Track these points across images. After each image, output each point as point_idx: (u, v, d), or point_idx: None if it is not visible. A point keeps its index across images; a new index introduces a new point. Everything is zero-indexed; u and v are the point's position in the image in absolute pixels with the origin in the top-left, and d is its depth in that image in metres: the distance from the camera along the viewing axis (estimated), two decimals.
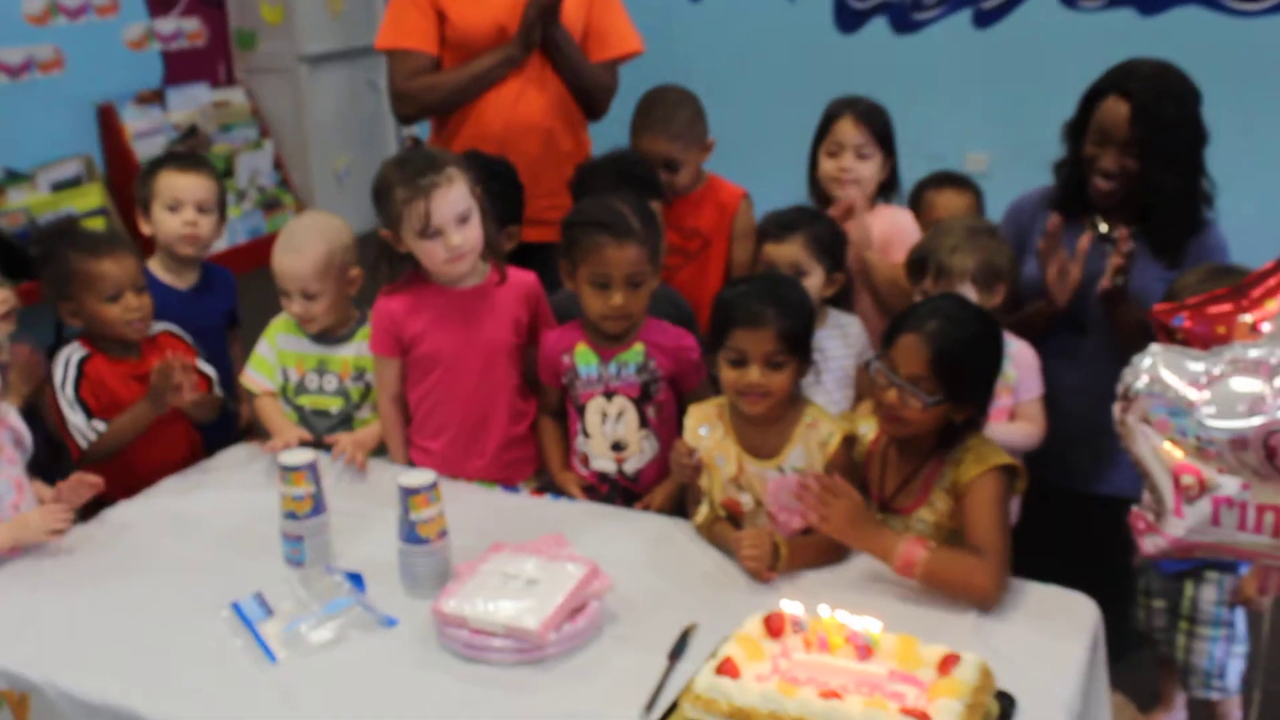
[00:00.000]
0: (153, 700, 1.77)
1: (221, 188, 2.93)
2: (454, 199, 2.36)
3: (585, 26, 3.15)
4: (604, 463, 2.46)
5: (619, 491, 2.47)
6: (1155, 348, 1.91)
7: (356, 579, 2.05)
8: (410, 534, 2.01)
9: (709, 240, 3.02)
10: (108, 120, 6.10)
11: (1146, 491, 1.96)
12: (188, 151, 3.03)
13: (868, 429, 2.20)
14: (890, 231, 2.83)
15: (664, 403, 2.47)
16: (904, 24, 5.96)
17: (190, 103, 6.45)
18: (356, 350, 2.65)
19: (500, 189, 2.75)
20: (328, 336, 2.67)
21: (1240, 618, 2.48)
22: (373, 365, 2.60)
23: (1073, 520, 2.51)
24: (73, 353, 2.61)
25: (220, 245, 6.12)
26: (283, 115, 6.81)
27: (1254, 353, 1.82)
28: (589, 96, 3.21)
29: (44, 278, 2.65)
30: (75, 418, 2.53)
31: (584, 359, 2.45)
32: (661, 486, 2.43)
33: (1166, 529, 1.92)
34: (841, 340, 2.61)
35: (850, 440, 2.17)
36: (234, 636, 1.93)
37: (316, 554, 2.13)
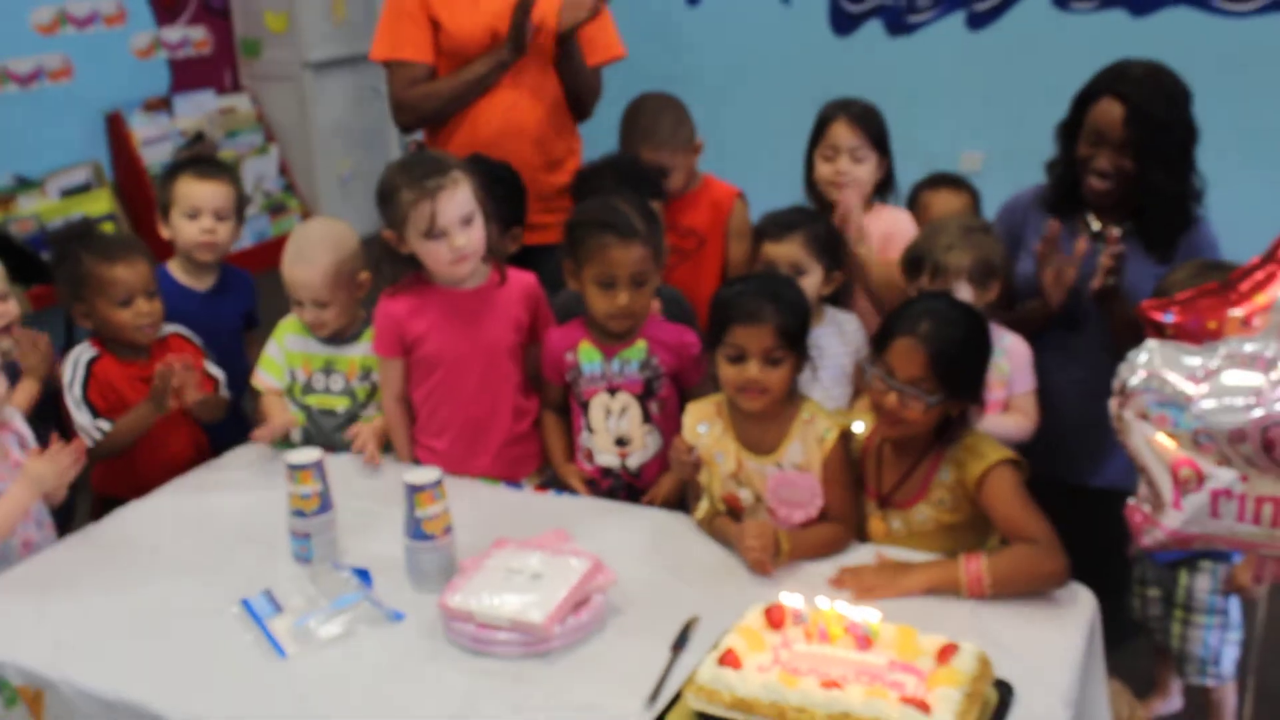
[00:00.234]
0: (165, 695, 1.78)
1: (239, 192, 2.93)
2: (459, 201, 2.37)
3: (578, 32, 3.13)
4: (608, 458, 2.47)
5: (622, 486, 2.48)
6: (1151, 344, 1.92)
7: (364, 575, 2.05)
8: (416, 530, 2.02)
9: (704, 239, 3.03)
10: (116, 127, 6.10)
11: (1143, 484, 1.97)
12: (207, 157, 3.02)
13: (864, 425, 2.20)
14: (889, 231, 2.83)
15: (666, 399, 2.47)
16: (898, 26, 5.96)
17: (197, 109, 6.45)
18: (363, 351, 2.65)
19: (504, 193, 2.76)
20: (334, 337, 2.67)
21: (1235, 606, 2.48)
22: (377, 365, 2.60)
23: (1069, 512, 2.51)
24: (82, 353, 2.62)
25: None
26: (287, 121, 6.82)
27: (1250, 347, 1.83)
28: (581, 100, 3.22)
29: (58, 280, 2.66)
30: (81, 417, 2.53)
31: (587, 356, 2.46)
32: (664, 480, 2.44)
33: (1165, 521, 1.93)
34: (839, 338, 2.62)
35: (847, 436, 2.17)
36: (244, 632, 1.93)
37: (324, 551, 2.14)
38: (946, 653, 1.66)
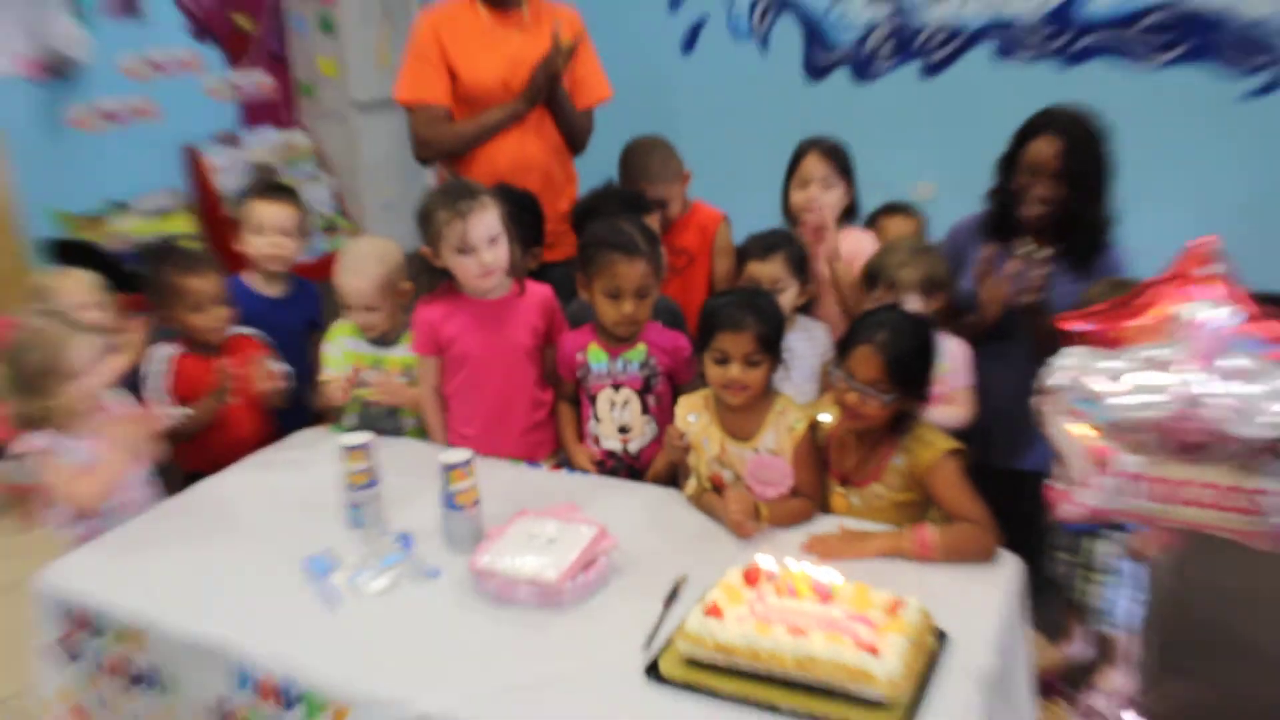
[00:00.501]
0: (240, 637, 1.81)
1: (303, 212, 2.94)
2: (487, 223, 2.39)
3: (570, 78, 3.13)
4: (612, 443, 2.49)
5: (624, 467, 2.49)
6: (1071, 350, 1.95)
7: (406, 539, 2.07)
8: (450, 502, 2.04)
9: (693, 257, 3.03)
10: (193, 158, 6.09)
11: (1061, 468, 2.00)
12: (277, 183, 3.03)
13: (829, 416, 2.22)
14: (855, 250, 2.84)
15: (662, 394, 2.49)
16: (863, 74, 5.95)
17: (262, 143, 6.43)
18: (403, 351, 2.67)
19: (526, 217, 2.78)
20: (380, 339, 2.70)
21: (1131, 567, 2.49)
22: (416, 363, 2.62)
23: (999, 491, 2.54)
24: (163, 351, 2.65)
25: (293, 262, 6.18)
26: (338, 154, 6.79)
27: (1154, 352, 1.85)
28: (575, 138, 3.21)
29: (146, 289, 2.69)
30: (160, 405, 2.56)
31: (595, 357, 2.47)
32: (658, 460, 2.46)
33: (1079, 499, 1.96)
34: (809, 341, 2.64)
35: (814, 426, 2.19)
36: (306, 585, 1.96)
37: (373, 518, 2.15)
38: (894, 607, 1.68)
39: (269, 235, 2.84)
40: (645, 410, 2.48)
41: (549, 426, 2.60)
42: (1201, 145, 5.21)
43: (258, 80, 6.58)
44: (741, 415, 2.19)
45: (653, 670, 1.67)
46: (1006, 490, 2.28)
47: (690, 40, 6.32)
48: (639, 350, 2.47)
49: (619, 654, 1.72)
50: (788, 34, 6.06)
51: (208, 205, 6.03)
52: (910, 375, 2.08)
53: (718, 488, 2.19)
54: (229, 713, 1.83)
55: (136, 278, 2.72)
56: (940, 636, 1.72)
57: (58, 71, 5.40)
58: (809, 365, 2.63)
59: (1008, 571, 1.96)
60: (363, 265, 2.63)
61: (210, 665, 1.82)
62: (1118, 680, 2.57)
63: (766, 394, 2.20)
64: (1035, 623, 2.65)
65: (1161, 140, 5.24)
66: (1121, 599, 2.51)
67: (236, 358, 2.63)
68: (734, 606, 1.70)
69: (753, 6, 6.11)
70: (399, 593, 1.93)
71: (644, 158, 3.01)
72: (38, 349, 2.21)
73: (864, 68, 5.93)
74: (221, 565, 2.05)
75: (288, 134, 6.66)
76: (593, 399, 2.50)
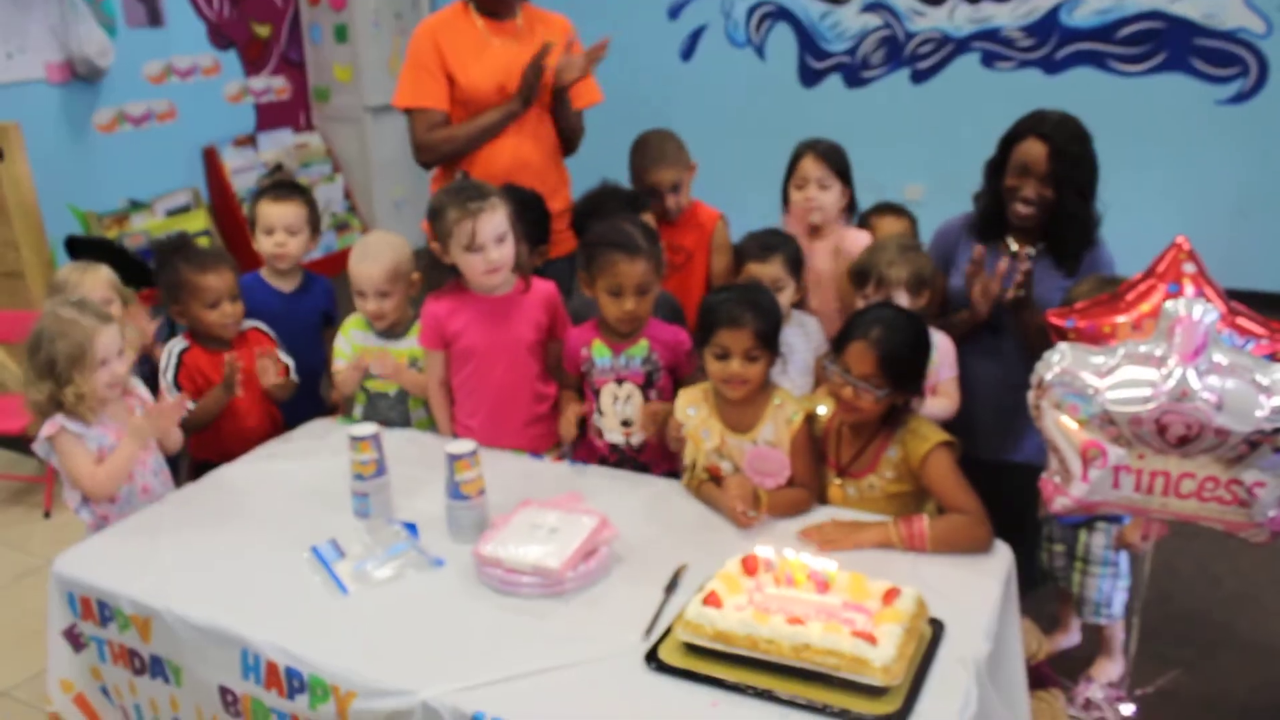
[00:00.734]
0: (248, 623, 1.77)
1: (312, 210, 2.88)
2: (495, 222, 2.34)
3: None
4: (615, 436, 2.43)
5: (627, 460, 2.44)
6: (1063, 346, 1.91)
7: (412, 528, 2.03)
8: (455, 492, 2.00)
9: (691, 254, 2.98)
10: (211, 159, 6.06)
11: (1054, 461, 1.96)
12: (286, 181, 2.98)
13: (825, 408, 2.18)
14: (854, 248, 2.78)
15: (664, 388, 2.43)
16: (854, 80, 5.93)
17: (277, 145, 6.40)
18: (410, 344, 2.63)
19: (532, 216, 2.73)
20: (389, 332, 2.65)
21: (1124, 559, 2.47)
22: (423, 356, 2.58)
23: (993, 483, 2.50)
24: (175, 345, 2.61)
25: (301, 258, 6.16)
26: (351, 155, 6.75)
27: (1144, 347, 1.82)
28: (571, 140, 3.17)
29: (160, 284, 2.64)
30: (172, 397, 2.51)
31: (599, 352, 2.43)
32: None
33: (1072, 490, 1.92)
34: (803, 337, 2.59)
35: (811, 418, 2.15)
36: (313, 573, 1.92)
37: (379, 508, 2.11)
38: (890, 596, 1.64)
39: (278, 235, 2.80)
40: (647, 403, 2.41)
41: (551, 419, 2.55)
42: (1181, 150, 5.20)
43: (274, 85, 6.54)
44: (740, 408, 2.15)
45: (653, 657, 1.63)
46: (1000, 482, 2.25)
47: (689, 47, 6.29)
48: (641, 346, 2.42)
49: (620, 641, 1.69)
50: (783, 41, 6.03)
51: (225, 204, 6.01)
52: (903, 370, 2.04)
53: (716, 479, 2.15)
54: (234, 700, 1.78)
55: (153, 274, 2.67)
56: (935, 625, 1.68)
57: (84, 77, 5.38)
58: (804, 359, 2.58)
59: (1000, 561, 1.92)
60: (376, 252, 2.60)
61: (216, 652, 1.78)
62: (1111, 670, 2.54)
63: (764, 387, 2.16)
64: (1030, 613, 2.62)
65: (1142, 145, 5.22)
66: (1114, 590, 2.47)
67: (244, 351, 2.58)
68: (733, 595, 1.67)
69: (750, 15, 6.08)
70: (404, 581, 1.89)
71: (659, 144, 2.96)
72: (65, 337, 2.17)
73: (856, 74, 5.91)
74: (230, 553, 2.00)
75: (302, 136, 6.64)
76: (596, 393, 2.45)
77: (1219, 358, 1.75)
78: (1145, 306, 1.85)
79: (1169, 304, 1.78)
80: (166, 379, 2.55)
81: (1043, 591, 2.71)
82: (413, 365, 2.62)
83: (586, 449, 2.54)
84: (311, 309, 2.92)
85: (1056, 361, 1.85)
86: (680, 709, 1.54)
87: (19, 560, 3.35)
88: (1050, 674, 2.52)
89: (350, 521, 2.09)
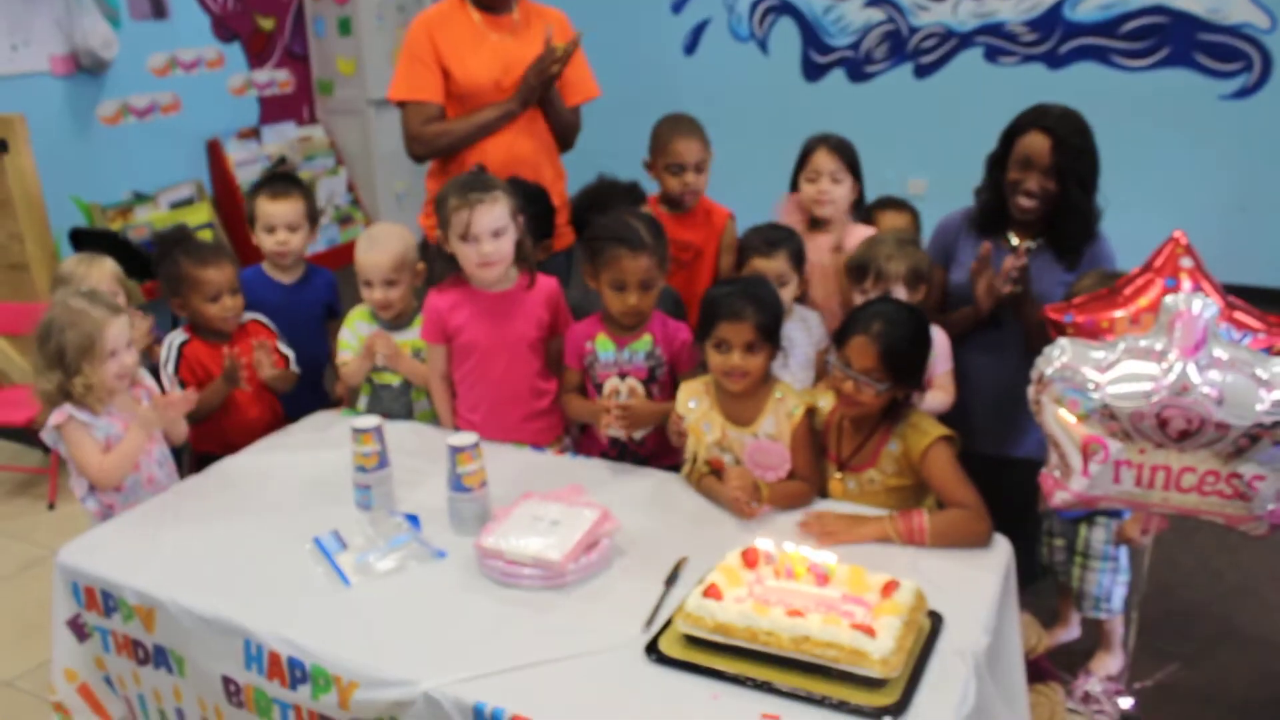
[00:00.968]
0: (251, 614, 1.77)
1: (310, 204, 2.88)
2: (494, 215, 2.34)
3: (560, 78, 3.05)
4: (616, 430, 2.39)
5: (629, 454, 2.44)
6: (1063, 341, 1.91)
7: (414, 520, 2.04)
8: (457, 484, 2.00)
9: (700, 251, 2.97)
10: (215, 152, 6.07)
11: (1054, 456, 1.96)
12: (282, 175, 2.98)
13: (826, 402, 2.18)
14: (856, 244, 2.79)
15: (666, 383, 2.43)
16: (858, 75, 5.93)
17: (280, 138, 6.42)
18: (413, 335, 2.63)
19: (538, 210, 2.74)
20: (393, 323, 2.66)
21: (1123, 554, 2.47)
22: (425, 347, 2.57)
23: (993, 478, 2.51)
24: (175, 337, 2.62)
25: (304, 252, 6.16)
26: (354, 148, 6.77)
27: (1144, 342, 1.82)
28: (564, 135, 3.15)
29: (160, 278, 2.65)
30: (173, 389, 2.52)
31: (603, 346, 2.42)
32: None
33: (1073, 485, 1.92)
34: (805, 331, 2.59)
35: (811, 412, 2.15)
36: (316, 565, 1.92)
37: (382, 500, 2.11)
38: (889, 588, 1.64)
39: (280, 234, 2.80)
40: (650, 398, 2.42)
41: (551, 415, 2.55)
42: (1184, 145, 5.20)
43: (278, 78, 6.54)
44: (741, 401, 2.15)
45: (653, 649, 1.63)
46: (1001, 477, 2.26)
47: (693, 42, 6.29)
48: (644, 340, 2.41)
49: (620, 633, 1.68)
50: (787, 36, 6.03)
51: (228, 197, 6.02)
52: (904, 364, 2.04)
53: (717, 472, 2.15)
54: (237, 690, 1.79)
55: (155, 264, 2.67)
56: (935, 618, 1.68)
57: (88, 69, 5.38)
58: (805, 353, 2.58)
59: (999, 555, 1.91)
60: (383, 241, 2.61)
61: (219, 643, 1.78)
62: (1110, 664, 2.55)
63: (765, 381, 2.16)
64: (1028, 607, 2.62)
65: (1145, 140, 5.22)
66: (1114, 585, 2.47)
67: (244, 344, 2.60)
68: (733, 588, 1.67)
69: (753, 9, 6.07)
70: (406, 573, 1.89)
71: (688, 124, 2.94)
72: (75, 328, 2.19)
73: (859, 69, 5.91)
74: (233, 544, 2.00)
75: (306, 129, 6.65)
76: (599, 387, 2.44)
77: (1219, 352, 1.75)
78: (1143, 301, 1.86)
79: (1168, 299, 1.78)
80: (167, 371, 2.56)
81: (1043, 586, 2.72)
82: (416, 356, 2.62)
83: (588, 443, 2.55)
84: (314, 301, 2.93)
85: (1057, 356, 1.85)
86: (680, 701, 1.54)
87: (23, 551, 3.36)
88: (1050, 668, 2.53)
89: (353, 513, 2.09)
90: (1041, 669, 2.54)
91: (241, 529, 2.06)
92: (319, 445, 2.42)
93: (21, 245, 4.11)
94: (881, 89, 5.85)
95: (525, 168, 2.96)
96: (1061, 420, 1.86)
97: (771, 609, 1.59)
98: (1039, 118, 2.48)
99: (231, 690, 1.79)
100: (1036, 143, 2.46)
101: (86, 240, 4.95)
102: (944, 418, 2.33)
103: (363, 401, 2.69)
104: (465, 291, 2.46)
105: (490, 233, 2.34)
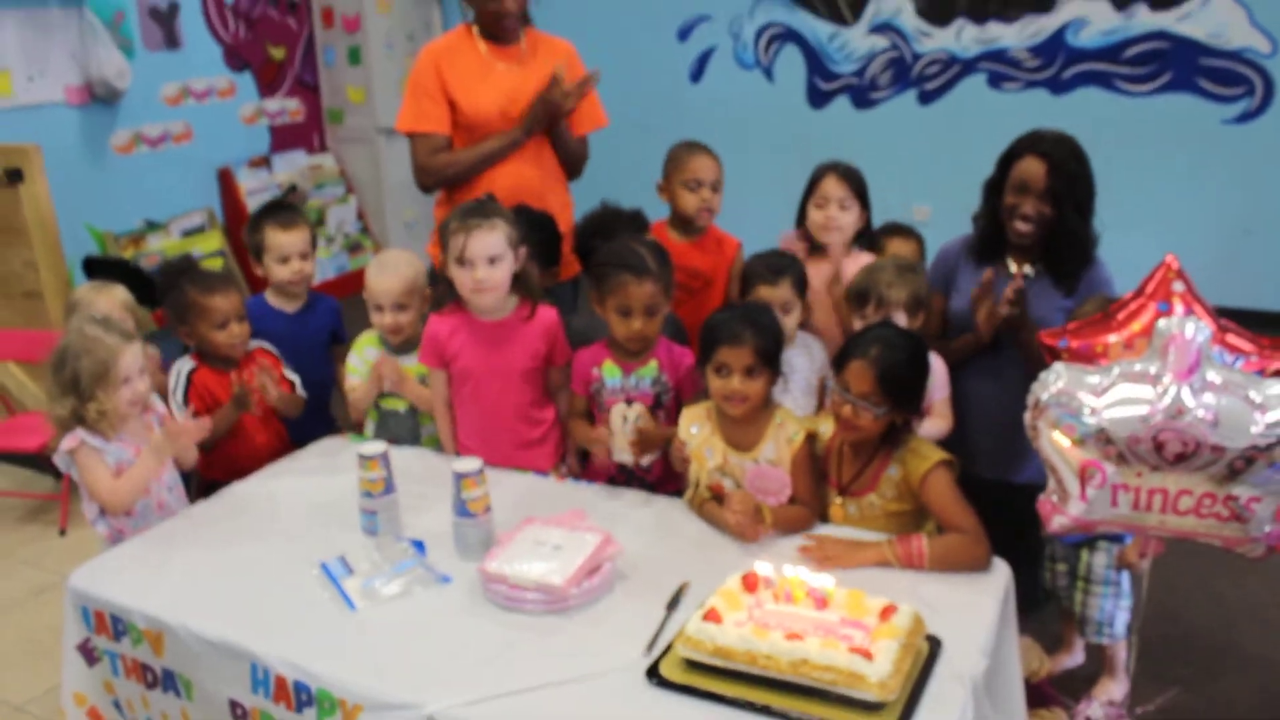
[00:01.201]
0: (259, 638, 1.79)
1: (313, 231, 2.93)
2: (490, 241, 2.36)
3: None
4: (624, 456, 2.42)
5: (635, 480, 2.45)
6: (1059, 366, 1.92)
7: (419, 545, 2.06)
8: (462, 509, 2.02)
9: (709, 280, 3.00)
10: (226, 180, 6.14)
11: (1052, 481, 1.97)
12: (284, 205, 3.01)
13: (827, 428, 2.19)
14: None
15: (672, 408, 2.45)
16: (863, 102, 5.97)
17: (291, 166, 6.49)
18: (420, 360, 2.65)
19: (543, 237, 2.77)
20: (401, 349, 2.68)
21: (1125, 578, 2.47)
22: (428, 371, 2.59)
23: (996, 503, 2.52)
24: (183, 365, 2.65)
25: (314, 279, 6.22)
26: (364, 176, 6.83)
27: (1138, 366, 1.83)
28: (572, 165, 3.19)
29: (166, 307, 2.69)
30: (182, 416, 2.54)
31: (610, 372, 2.44)
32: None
33: (1070, 510, 1.93)
34: (807, 356, 2.61)
35: (812, 438, 2.17)
36: (322, 589, 1.94)
37: (388, 525, 2.13)
38: (888, 612, 1.65)
39: (294, 263, 2.85)
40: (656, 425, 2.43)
41: (547, 443, 2.57)
42: (1186, 169, 5.22)
43: (289, 107, 6.63)
44: (742, 427, 2.17)
45: (654, 673, 1.65)
46: (1003, 502, 2.27)
47: (699, 69, 6.34)
48: (651, 366, 2.44)
49: (622, 657, 1.70)
50: (791, 63, 6.08)
51: (239, 225, 6.01)
52: (902, 388, 2.05)
53: (718, 497, 2.17)
54: (244, 714, 1.81)
55: (161, 294, 2.71)
56: (933, 642, 1.69)
57: (102, 99, 5.46)
58: (807, 379, 2.60)
59: (998, 579, 1.93)
60: (395, 266, 2.66)
61: (227, 666, 1.80)
62: (1114, 689, 2.55)
63: (766, 406, 2.18)
64: (1032, 632, 2.63)
65: (1148, 164, 5.25)
66: (1116, 610, 2.47)
67: (251, 371, 2.63)
68: (733, 612, 1.69)
69: (758, 37, 6.13)
70: (411, 597, 1.91)
71: (703, 146, 2.99)
72: (90, 355, 2.22)
73: (864, 95, 5.95)
74: (241, 569, 2.03)
75: (316, 157, 6.72)
76: (605, 413, 2.46)
77: (1212, 375, 1.77)
78: (1136, 325, 1.88)
79: (1162, 322, 1.80)
80: (176, 399, 2.59)
81: (1047, 611, 2.73)
82: (422, 381, 2.65)
83: (594, 468, 2.57)
84: (318, 328, 2.96)
85: (1052, 382, 1.87)
86: None
87: (35, 577, 3.39)
88: (1052, 693, 2.53)
89: (359, 538, 2.11)
90: (1044, 694, 2.54)
91: (250, 554, 2.09)
92: (327, 471, 2.45)
93: (36, 273, 4.15)
94: (886, 115, 5.89)
95: (532, 196, 2.99)
96: (1058, 445, 1.88)
97: (771, 632, 1.60)
98: (1035, 143, 2.51)
99: (238, 714, 1.81)
100: (1032, 168, 2.49)
101: (98, 268, 5.00)
102: (946, 443, 2.35)
103: (370, 427, 2.73)
104: (464, 318, 2.49)
105: (485, 259, 2.37)
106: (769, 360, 2.12)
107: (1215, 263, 5.16)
